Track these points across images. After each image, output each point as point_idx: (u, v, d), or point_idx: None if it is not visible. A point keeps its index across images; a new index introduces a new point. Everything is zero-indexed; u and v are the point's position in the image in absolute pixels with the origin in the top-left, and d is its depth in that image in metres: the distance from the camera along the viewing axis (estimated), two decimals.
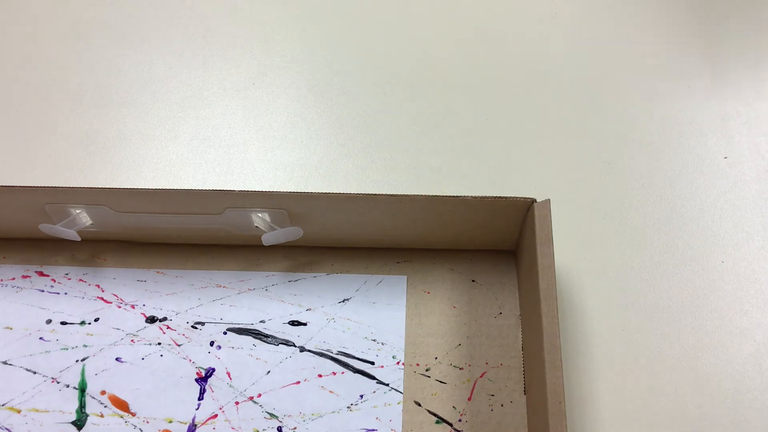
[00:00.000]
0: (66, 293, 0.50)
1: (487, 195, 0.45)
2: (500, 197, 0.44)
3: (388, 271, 0.50)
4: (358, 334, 0.48)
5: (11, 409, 0.46)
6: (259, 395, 0.46)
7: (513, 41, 0.62)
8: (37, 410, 0.46)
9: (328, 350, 0.48)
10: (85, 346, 0.48)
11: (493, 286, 0.49)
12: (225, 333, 0.48)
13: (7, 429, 0.45)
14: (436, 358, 0.47)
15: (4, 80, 0.61)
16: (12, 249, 0.52)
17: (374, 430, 0.45)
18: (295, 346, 0.48)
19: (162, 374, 0.47)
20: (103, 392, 0.46)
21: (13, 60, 0.62)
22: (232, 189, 0.45)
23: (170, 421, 0.45)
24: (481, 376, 0.46)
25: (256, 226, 0.48)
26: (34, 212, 0.48)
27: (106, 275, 0.51)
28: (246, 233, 0.49)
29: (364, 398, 0.46)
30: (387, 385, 0.46)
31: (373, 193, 0.45)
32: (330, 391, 0.46)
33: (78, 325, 0.49)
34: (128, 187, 0.46)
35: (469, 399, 0.45)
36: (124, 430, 0.45)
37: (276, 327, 0.48)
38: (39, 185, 0.46)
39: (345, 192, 0.45)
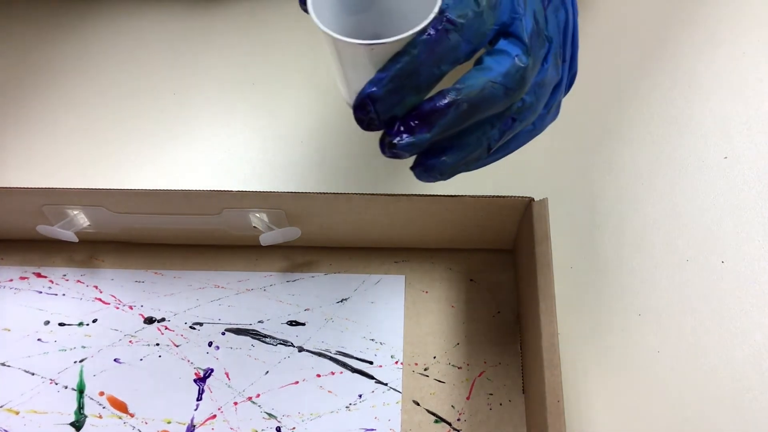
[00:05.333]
0: (64, 294, 0.50)
1: (485, 194, 0.45)
2: (498, 196, 0.44)
3: (386, 270, 0.50)
4: (357, 333, 0.48)
5: (9, 410, 0.46)
6: (258, 395, 0.46)
7: None
8: (35, 411, 0.46)
9: (326, 350, 0.47)
10: (83, 347, 0.48)
11: (491, 285, 0.49)
12: (223, 333, 0.48)
13: (5, 430, 0.45)
14: (434, 357, 0.47)
15: (3, 80, 0.61)
16: (9, 250, 0.52)
17: (373, 429, 0.45)
18: (294, 346, 0.48)
19: (160, 375, 0.47)
20: (101, 393, 0.46)
21: (12, 60, 0.62)
22: (229, 189, 0.45)
23: (169, 422, 0.45)
24: (479, 375, 0.46)
25: (254, 227, 0.48)
26: (31, 213, 0.48)
27: (104, 276, 0.51)
28: (244, 234, 0.49)
29: (362, 398, 0.46)
30: (386, 384, 0.46)
31: (372, 193, 0.45)
32: (329, 391, 0.46)
33: (76, 326, 0.49)
34: (126, 188, 0.46)
35: (468, 398, 0.45)
36: (122, 431, 0.45)
37: (274, 327, 0.48)
38: (36, 186, 0.46)
39: (343, 192, 0.45)
